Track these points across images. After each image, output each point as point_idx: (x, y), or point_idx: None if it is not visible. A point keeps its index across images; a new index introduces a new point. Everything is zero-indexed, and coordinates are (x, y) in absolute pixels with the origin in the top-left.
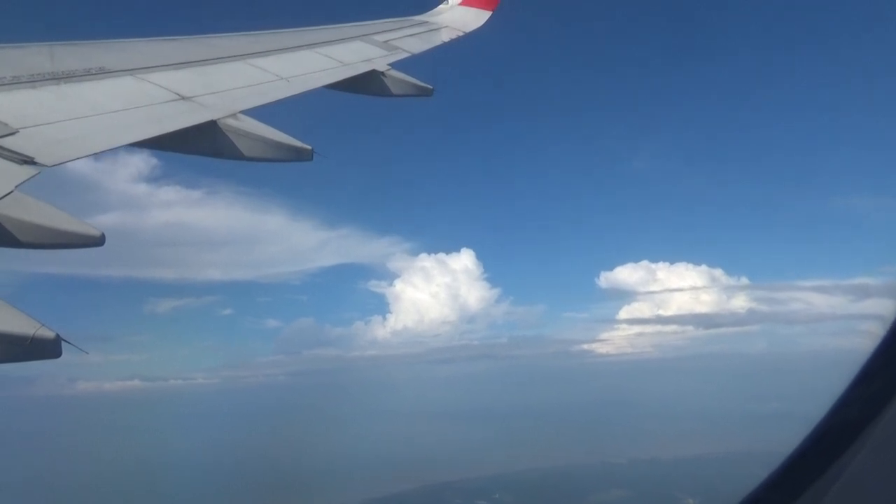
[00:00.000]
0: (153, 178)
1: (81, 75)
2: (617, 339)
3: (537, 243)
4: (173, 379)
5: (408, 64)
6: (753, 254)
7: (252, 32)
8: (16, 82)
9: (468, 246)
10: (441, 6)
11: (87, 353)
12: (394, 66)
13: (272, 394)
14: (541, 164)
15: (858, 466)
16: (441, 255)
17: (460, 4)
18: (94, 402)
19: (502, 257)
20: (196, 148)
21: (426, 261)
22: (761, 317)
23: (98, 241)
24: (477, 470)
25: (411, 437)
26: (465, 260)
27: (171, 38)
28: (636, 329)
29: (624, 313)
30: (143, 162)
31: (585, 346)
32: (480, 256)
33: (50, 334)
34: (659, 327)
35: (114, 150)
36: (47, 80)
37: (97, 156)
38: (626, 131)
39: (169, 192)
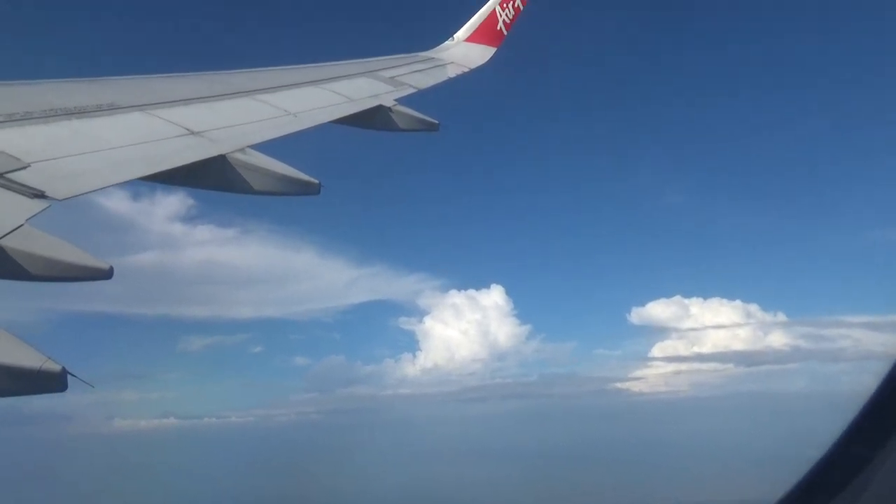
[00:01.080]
0: (189, 218)
1: (93, 111)
2: (651, 376)
3: (567, 279)
4: (207, 417)
5: (414, 99)
6: (791, 289)
7: (260, 69)
8: (28, 118)
9: (498, 282)
10: (447, 42)
11: (93, 386)
12: (400, 101)
13: (306, 432)
14: (570, 200)
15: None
16: (471, 292)
17: (466, 41)
18: (132, 440)
19: (532, 293)
20: (205, 182)
21: (456, 297)
22: (802, 354)
23: (106, 274)
24: None
25: (449, 477)
26: (494, 296)
27: (181, 74)
28: (671, 367)
29: (657, 350)
30: (179, 202)
31: (620, 385)
32: (510, 292)
33: (56, 368)
34: (695, 365)
35: (132, 185)
36: (59, 115)
37: (106, 189)
38: (658, 166)
39: (204, 232)
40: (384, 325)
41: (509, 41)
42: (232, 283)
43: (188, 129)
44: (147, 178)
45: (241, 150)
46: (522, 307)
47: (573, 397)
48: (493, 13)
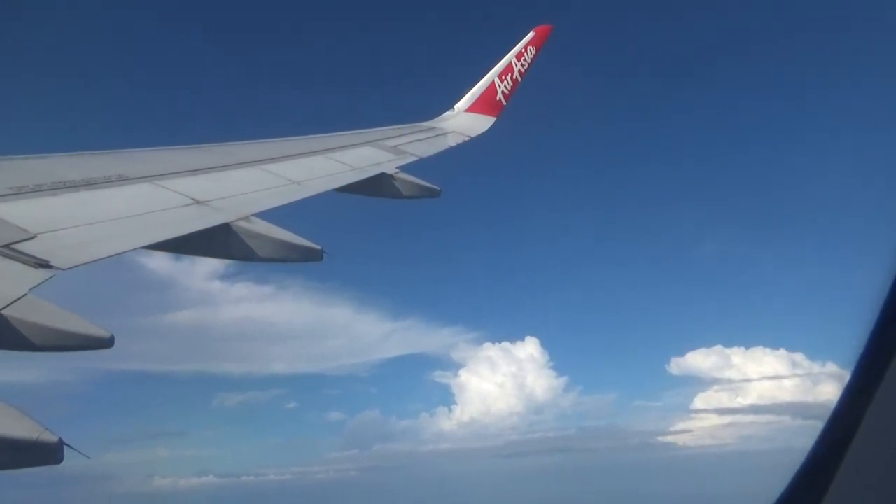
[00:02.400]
0: (227, 276)
1: (101, 182)
2: (695, 429)
3: (603, 330)
4: (245, 475)
5: (416, 167)
6: (838, 337)
7: (265, 140)
8: (38, 190)
9: (532, 334)
10: (447, 112)
11: (89, 458)
12: (402, 169)
13: (345, 490)
14: (604, 251)
15: None
16: (505, 344)
17: (466, 111)
18: (173, 499)
19: (568, 345)
20: (210, 250)
21: (490, 350)
22: None
23: (107, 342)
24: None
25: None
26: (529, 348)
27: (189, 146)
28: (715, 419)
29: (699, 401)
30: (219, 261)
31: (663, 438)
32: (545, 344)
33: (53, 438)
34: (740, 417)
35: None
36: (68, 187)
37: (112, 258)
38: (695, 215)
39: (241, 289)
40: (419, 379)
41: (509, 111)
42: (267, 340)
43: (194, 199)
44: (153, 247)
45: (246, 218)
46: (559, 359)
47: (616, 451)
48: (492, 84)
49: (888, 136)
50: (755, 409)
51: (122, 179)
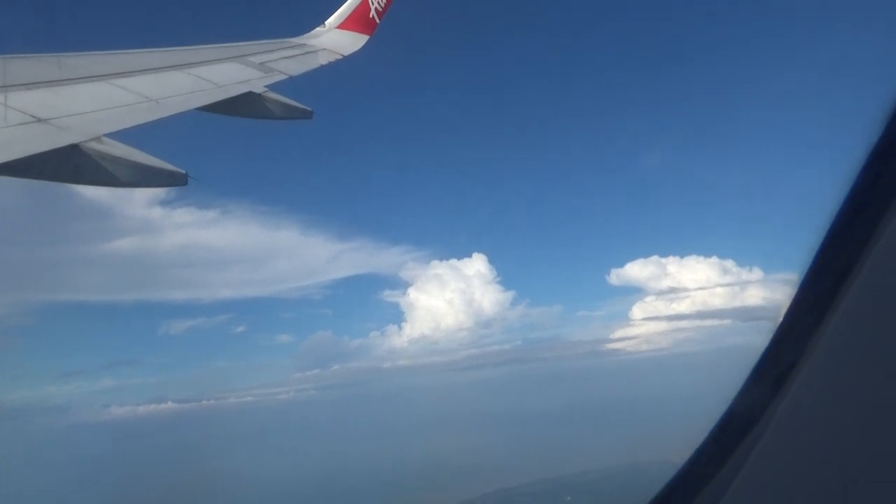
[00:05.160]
0: (168, 201)
1: None
2: (634, 336)
3: (547, 244)
4: (205, 399)
5: (285, 86)
6: (764, 243)
7: (114, 51)
8: None
9: (479, 251)
10: (318, 29)
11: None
12: (271, 88)
13: (308, 408)
14: (545, 167)
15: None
16: (453, 261)
17: (338, 28)
18: (134, 426)
19: (514, 260)
20: (57, 174)
21: (438, 268)
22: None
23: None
24: (535, 474)
25: (456, 446)
26: (477, 265)
27: (23, 55)
28: (653, 325)
29: (637, 310)
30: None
31: (607, 346)
32: (492, 260)
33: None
34: (675, 323)
35: None
36: None
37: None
38: (634, 129)
39: (183, 214)
40: (368, 299)
41: (382, 29)
42: (213, 265)
43: (34, 116)
44: None
45: (97, 138)
46: (505, 274)
47: (564, 360)
48: (364, 1)
49: (826, 41)
50: (689, 316)
51: None
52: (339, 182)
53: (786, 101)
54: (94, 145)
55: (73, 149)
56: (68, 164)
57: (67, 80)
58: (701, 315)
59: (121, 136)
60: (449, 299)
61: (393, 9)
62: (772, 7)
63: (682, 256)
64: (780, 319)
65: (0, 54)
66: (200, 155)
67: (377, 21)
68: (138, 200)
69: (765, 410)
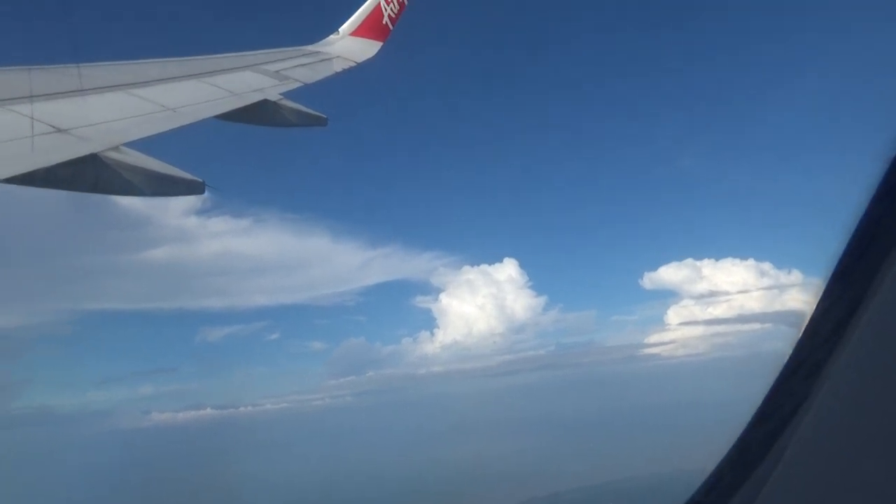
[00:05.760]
0: (203, 211)
1: None
2: (670, 341)
3: (579, 249)
4: (243, 406)
5: (300, 93)
6: (803, 245)
7: (132, 61)
8: None
9: (510, 255)
10: (332, 37)
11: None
12: (286, 95)
13: (344, 415)
14: (577, 169)
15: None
16: (484, 267)
17: (351, 35)
18: (175, 432)
19: (546, 264)
20: (77, 184)
21: (469, 273)
22: None
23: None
24: (576, 481)
25: (494, 452)
26: (508, 270)
27: (44, 66)
28: (688, 330)
29: (673, 314)
30: (195, 196)
31: (643, 351)
32: (524, 265)
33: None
34: (712, 327)
35: None
36: None
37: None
38: (668, 131)
39: (218, 223)
40: (400, 305)
41: (395, 35)
42: (248, 273)
43: (54, 127)
44: (10, 181)
45: (116, 148)
46: (537, 279)
47: (600, 365)
48: (377, 7)
49: (862, 50)
50: (727, 320)
51: None
52: (367, 188)
53: (824, 102)
54: (113, 155)
55: (93, 158)
56: (88, 174)
57: (86, 90)
58: (739, 319)
59: (139, 145)
60: (481, 305)
61: (406, 15)
62: (809, 7)
63: (717, 259)
64: (805, 325)
65: (24, 65)
66: (223, 163)
67: (390, 27)
68: (174, 210)
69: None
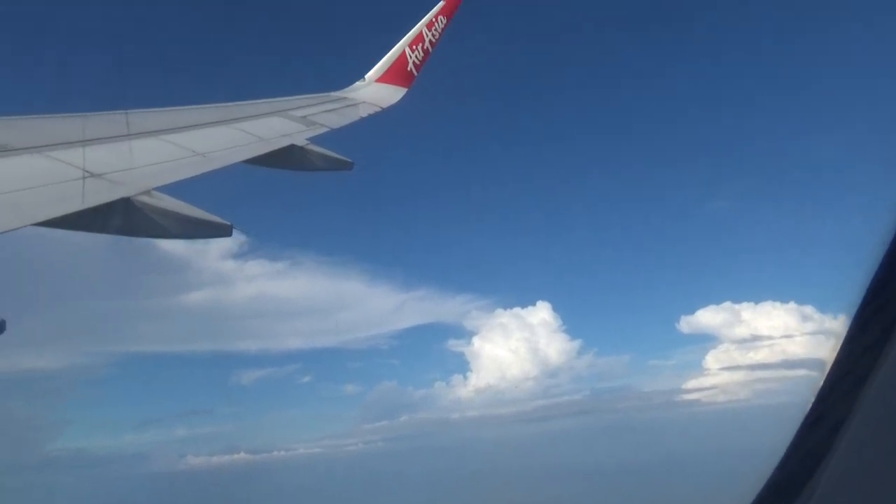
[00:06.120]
0: (241, 254)
1: None
2: (709, 386)
3: (613, 292)
4: (276, 451)
5: (327, 138)
6: (848, 288)
7: (164, 108)
8: None
9: (543, 298)
10: (357, 83)
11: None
12: (313, 140)
13: (376, 461)
14: (609, 211)
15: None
16: (517, 310)
17: (377, 81)
18: (210, 476)
19: (579, 308)
20: (109, 227)
21: (502, 316)
22: None
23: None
24: None
25: (532, 499)
26: (541, 313)
27: (79, 114)
28: (728, 376)
29: (712, 359)
30: (231, 240)
31: (678, 397)
32: (557, 308)
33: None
34: (753, 373)
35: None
36: None
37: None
38: (703, 173)
39: (255, 267)
40: (433, 349)
41: (420, 81)
42: (283, 315)
43: (89, 172)
44: (45, 224)
45: (147, 192)
46: (571, 323)
47: (638, 411)
48: (402, 54)
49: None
50: (769, 365)
51: (6, 150)
52: (399, 232)
53: (871, 139)
54: (145, 199)
55: (124, 202)
56: (120, 217)
57: (119, 136)
58: (783, 365)
59: (170, 189)
60: (514, 348)
61: (430, 61)
62: (854, 51)
63: (756, 302)
64: (828, 369)
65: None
66: (257, 207)
67: (415, 74)
68: (212, 254)
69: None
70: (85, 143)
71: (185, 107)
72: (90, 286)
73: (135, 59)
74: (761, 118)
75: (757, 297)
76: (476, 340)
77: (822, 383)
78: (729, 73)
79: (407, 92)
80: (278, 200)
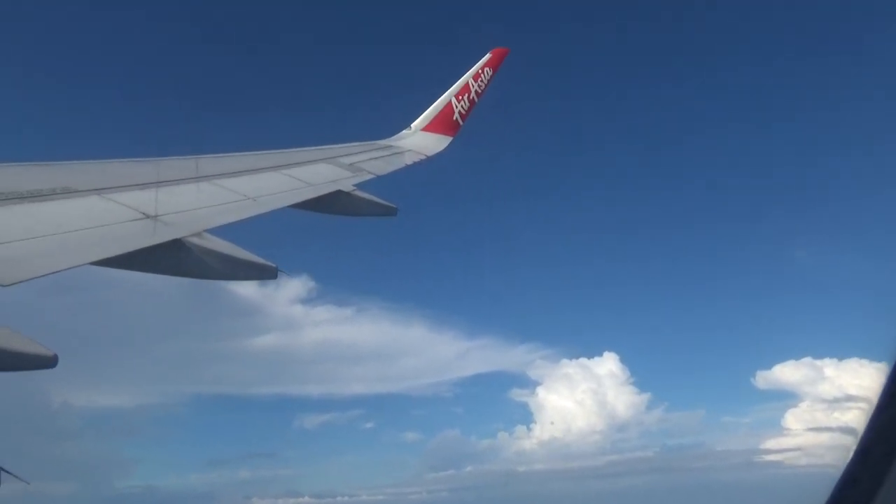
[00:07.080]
0: (309, 300)
1: (46, 195)
2: (789, 448)
3: (685, 344)
4: (340, 496)
5: (372, 185)
6: None
7: (218, 154)
8: None
9: (610, 349)
10: (404, 132)
11: (28, 483)
12: (359, 186)
13: None
14: (680, 262)
15: None
16: (583, 360)
17: (423, 130)
18: None
19: (648, 360)
20: (161, 266)
21: (568, 367)
22: None
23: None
24: None
25: None
26: (608, 364)
27: (138, 159)
28: (811, 437)
29: (792, 418)
30: (301, 285)
31: (758, 458)
32: (625, 360)
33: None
34: (837, 436)
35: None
36: (11, 199)
37: (57, 273)
38: (781, 224)
39: (322, 312)
40: (496, 398)
41: (465, 130)
42: (347, 361)
43: (144, 213)
44: (101, 263)
45: (198, 234)
46: (640, 375)
47: (714, 471)
48: (449, 104)
49: None
50: (856, 430)
51: (68, 192)
52: (464, 279)
53: None
54: (196, 240)
55: (177, 243)
56: (172, 257)
57: (174, 180)
58: None
59: (221, 231)
60: (580, 400)
61: (476, 111)
62: None
63: (840, 359)
64: (859, 440)
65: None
66: (315, 251)
67: (461, 123)
68: (282, 299)
69: None
70: (143, 186)
71: (239, 153)
72: (167, 328)
73: (197, 103)
74: (845, 164)
75: (840, 353)
76: (540, 391)
77: (851, 456)
78: (809, 120)
79: (452, 140)
80: (340, 245)
